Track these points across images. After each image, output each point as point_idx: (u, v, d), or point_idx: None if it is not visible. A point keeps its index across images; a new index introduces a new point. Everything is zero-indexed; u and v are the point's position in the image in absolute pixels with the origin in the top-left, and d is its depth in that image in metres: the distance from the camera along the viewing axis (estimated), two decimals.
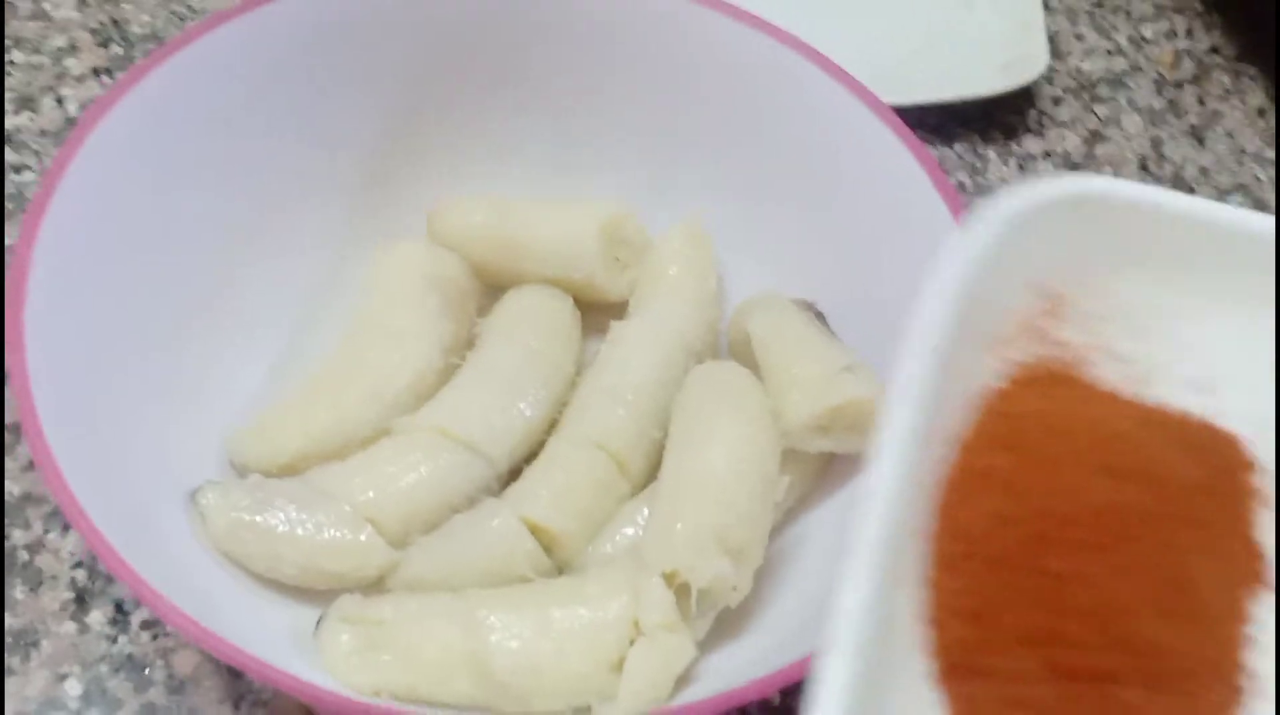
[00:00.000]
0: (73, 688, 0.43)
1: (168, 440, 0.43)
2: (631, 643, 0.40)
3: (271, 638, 0.40)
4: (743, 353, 0.47)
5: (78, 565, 0.45)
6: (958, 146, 0.62)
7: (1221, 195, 0.62)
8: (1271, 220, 0.31)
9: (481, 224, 0.49)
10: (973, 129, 0.62)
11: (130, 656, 0.43)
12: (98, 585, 0.45)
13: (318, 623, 0.41)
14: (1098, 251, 0.31)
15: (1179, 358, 0.31)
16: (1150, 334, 0.31)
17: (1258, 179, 0.63)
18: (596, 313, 0.50)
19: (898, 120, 0.47)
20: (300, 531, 0.41)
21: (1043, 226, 0.30)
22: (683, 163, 0.52)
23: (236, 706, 0.43)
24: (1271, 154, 0.64)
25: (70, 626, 0.44)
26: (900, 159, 0.47)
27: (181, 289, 0.45)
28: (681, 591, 0.40)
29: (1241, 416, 0.30)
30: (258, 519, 0.41)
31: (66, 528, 0.45)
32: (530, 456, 0.45)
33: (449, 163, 0.51)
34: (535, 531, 0.43)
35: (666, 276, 0.49)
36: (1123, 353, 0.31)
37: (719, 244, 0.50)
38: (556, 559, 0.43)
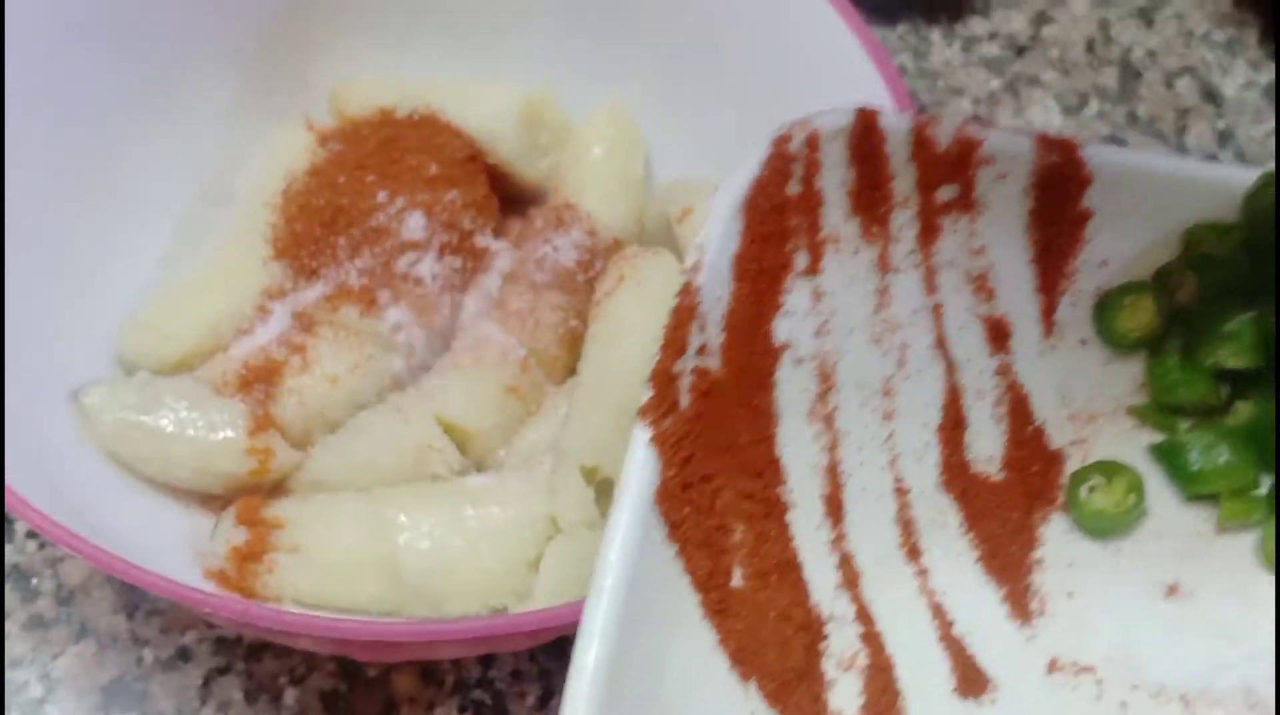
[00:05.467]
0: None
1: (49, 336, 0.40)
2: (549, 540, 0.38)
3: (167, 545, 0.38)
4: (664, 237, 0.44)
5: None
6: (900, 27, 0.59)
7: (1169, 77, 0.60)
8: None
9: (390, 105, 0.46)
10: (915, 9, 0.60)
11: (16, 566, 0.41)
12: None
13: (215, 526, 0.38)
14: None
15: None
16: None
17: (1205, 61, 0.61)
18: (515, 198, 0.47)
19: None
20: (192, 432, 0.39)
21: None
22: (605, 42, 0.48)
23: (130, 616, 0.40)
24: (1220, 36, 0.62)
25: None
26: (840, 38, 0.43)
27: (62, 168, 0.41)
28: (602, 487, 0.38)
29: None
30: (145, 419, 0.38)
31: None
32: (443, 348, 0.43)
33: (354, 38, 0.48)
34: (448, 429, 0.40)
35: (589, 159, 0.46)
36: None
37: (643, 127, 0.47)
38: (471, 456, 0.41)
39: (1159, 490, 0.34)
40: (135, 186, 0.43)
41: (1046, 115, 0.58)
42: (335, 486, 0.39)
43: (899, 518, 0.31)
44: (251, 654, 0.40)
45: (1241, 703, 0.30)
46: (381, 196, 0.43)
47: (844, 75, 0.43)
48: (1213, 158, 0.57)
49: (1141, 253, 0.34)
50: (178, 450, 0.39)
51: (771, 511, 0.29)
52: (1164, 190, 0.34)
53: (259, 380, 0.40)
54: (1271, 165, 0.35)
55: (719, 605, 0.27)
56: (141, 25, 0.43)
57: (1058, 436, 0.33)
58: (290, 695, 0.40)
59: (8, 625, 0.40)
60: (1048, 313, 0.34)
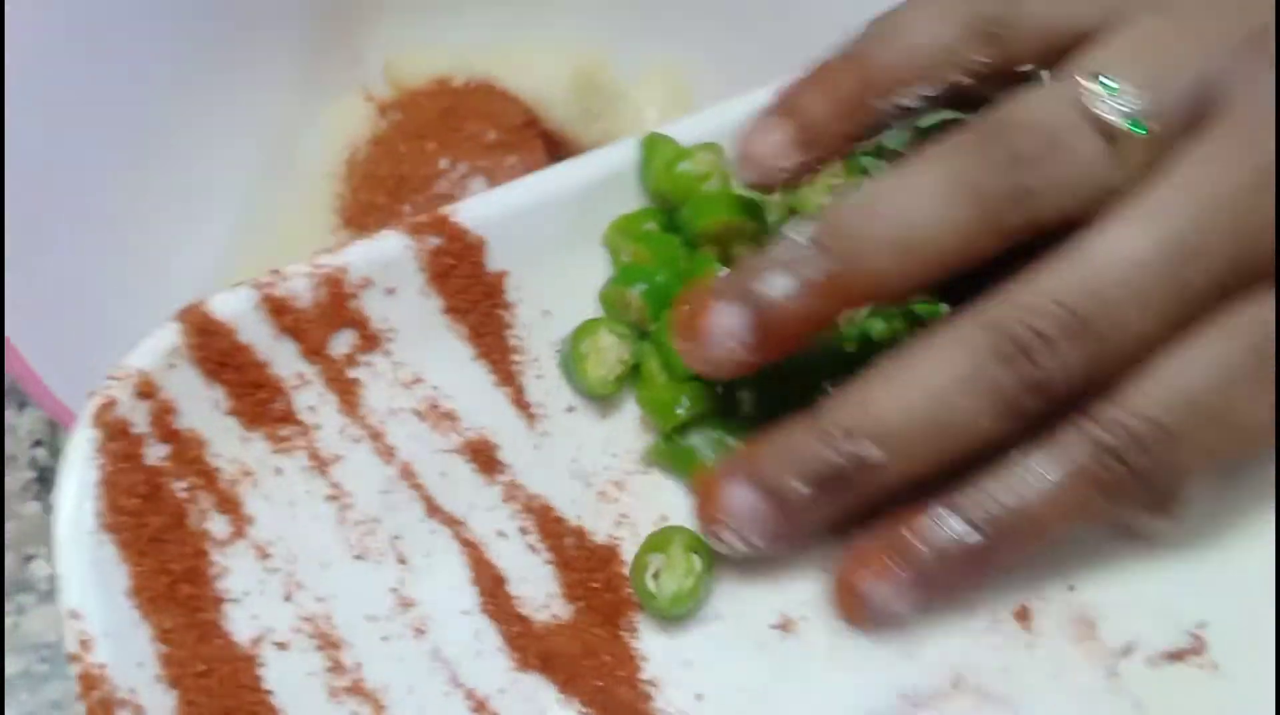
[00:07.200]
0: (40, 568, 0.41)
1: (126, 313, 0.41)
2: None
3: None
4: None
5: (37, 443, 0.43)
6: None
7: None
8: None
9: (445, 74, 0.47)
10: None
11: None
12: (59, 463, 0.42)
13: None
14: None
15: None
16: None
17: None
18: None
19: None
20: None
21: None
22: (656, 5, 0.48)
23: None
24: None
25: (34, 507, 0.42)
26: None
27: (127, 148, 0.42)
28: None
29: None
30: None
31: (22, 405, 0.43)
32: None
33: (403, 8, 0.48)
34: None
35: (641, 123, 0.47)
36: None
37: (697, 87, 0.48)
38: None
39: None
40: (199, 166, 0.44)
41: None
42: None
43: None
44: None
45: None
46: (443, 163, 0.43)
47: None
48: None
49: (576, 286, 0.30)
50: None
51: None
52: (550, 214, 0.30)
53: None
54: (645, 131, 0.31)
55: None
56: (195, 5, 0.43)
57: (599, 528, 0.28)
58: None
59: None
60: (520, 402, 0.29)
